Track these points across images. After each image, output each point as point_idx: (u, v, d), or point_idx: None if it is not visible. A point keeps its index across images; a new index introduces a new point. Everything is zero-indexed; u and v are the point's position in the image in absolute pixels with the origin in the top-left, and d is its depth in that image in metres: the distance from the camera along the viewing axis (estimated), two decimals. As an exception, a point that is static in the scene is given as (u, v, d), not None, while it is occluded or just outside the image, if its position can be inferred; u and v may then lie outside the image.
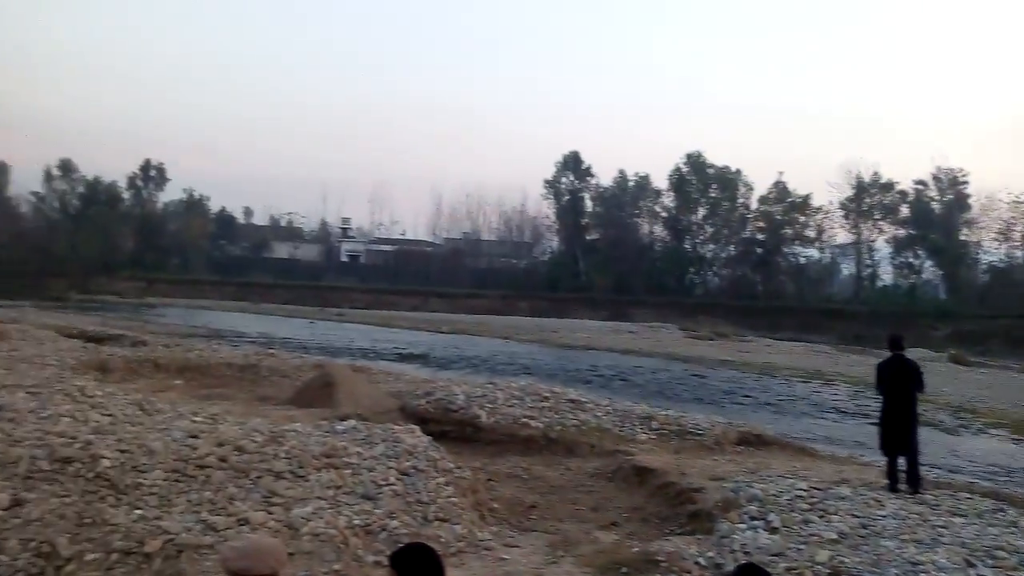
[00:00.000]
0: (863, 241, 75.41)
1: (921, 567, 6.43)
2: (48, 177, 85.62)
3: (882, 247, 75.06)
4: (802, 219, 77.31)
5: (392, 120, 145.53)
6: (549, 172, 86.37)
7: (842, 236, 77.43)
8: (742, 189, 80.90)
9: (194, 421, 9.22)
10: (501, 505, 8.85)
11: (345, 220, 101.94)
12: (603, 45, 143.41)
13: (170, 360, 18.49)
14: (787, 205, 77.69)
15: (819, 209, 76.56)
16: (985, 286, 67.70)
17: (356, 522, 6.65)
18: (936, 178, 72.57)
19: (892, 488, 9.03)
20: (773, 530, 7.26)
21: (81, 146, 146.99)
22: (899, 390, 9.37)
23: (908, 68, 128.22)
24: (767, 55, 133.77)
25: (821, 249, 79.04)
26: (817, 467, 11.08)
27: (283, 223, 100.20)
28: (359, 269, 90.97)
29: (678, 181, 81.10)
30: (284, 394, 15.66)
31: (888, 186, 74.36)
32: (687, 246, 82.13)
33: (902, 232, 73.04)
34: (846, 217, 75.66)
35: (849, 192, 74.78)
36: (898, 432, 9.25)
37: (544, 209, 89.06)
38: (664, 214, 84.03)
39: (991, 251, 70.42)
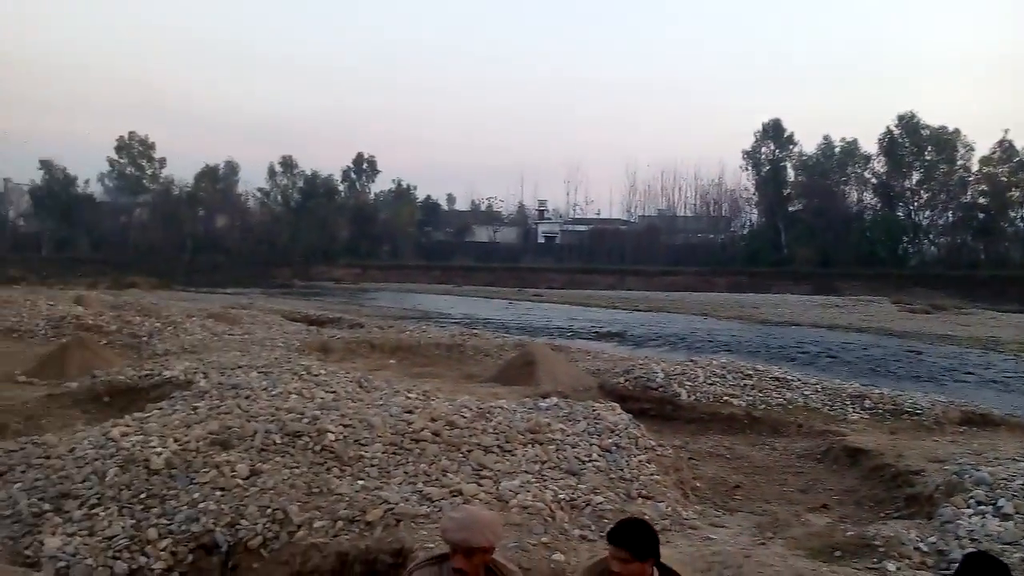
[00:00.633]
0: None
1: None
2: (272, 174, 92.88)
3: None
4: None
5: (586, 101, 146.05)
6: (747, 142, 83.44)
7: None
8: (961, 150, 74.46)
9: (408, 397, 9.71)
10: (704, 484, 8.70)
11: (541, 202, 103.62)
12: (800, 2, 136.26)
13: (384, 341, 19.54)
14: (1014, 166, 70.54)
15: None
16: None
17: (562, 496, 6.76)
18: None
19: None
20: (1005, 517, 6.65)
21: (300, 144, 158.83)
22: None
23: None
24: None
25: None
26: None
27: (483, 208, 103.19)
28: (555, 250, 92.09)
29: (889, 144, 75.76)
30: (488, 372, 16.14)
31: None
32: (900, 214, 76.78)
33: None
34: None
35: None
36: None
37: (743, 181, 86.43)
38: (874, 180, 78.89)
39: None
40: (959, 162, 74.63)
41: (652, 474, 7.73)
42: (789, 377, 13.74)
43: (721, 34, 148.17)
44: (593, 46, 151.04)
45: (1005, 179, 70.77)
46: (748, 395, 12.47)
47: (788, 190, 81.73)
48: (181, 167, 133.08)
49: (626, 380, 13.46)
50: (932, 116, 77.25)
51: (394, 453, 7.41)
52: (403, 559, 5.49)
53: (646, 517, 6.44)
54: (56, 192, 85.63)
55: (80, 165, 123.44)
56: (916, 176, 76.19)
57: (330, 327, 24.55)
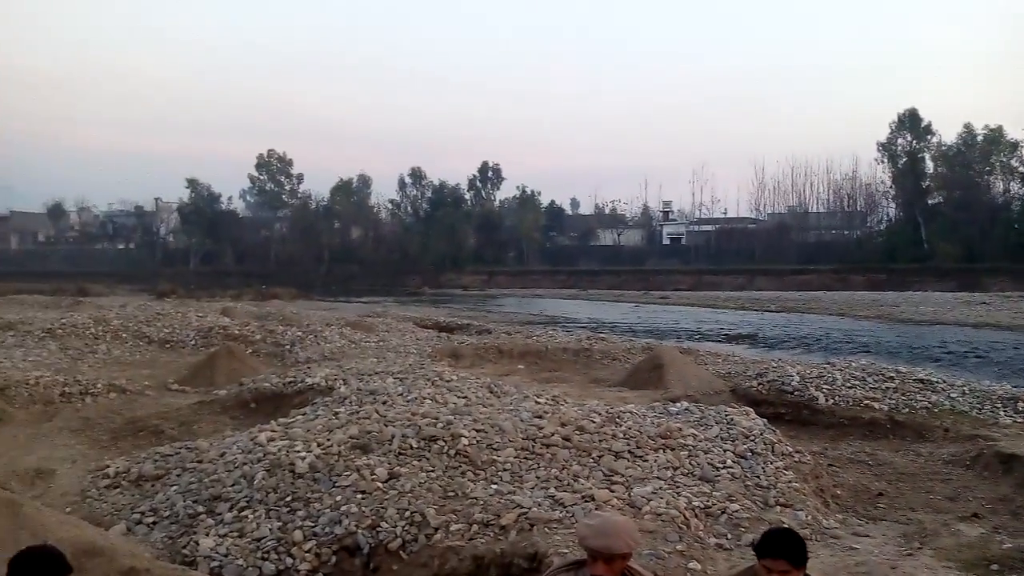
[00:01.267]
0: None
1: None
2: (402, 185, 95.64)
3: None
4: None
5: (711, 98, 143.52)
6: (882, 134, 79.50)
7: None
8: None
9: (538, 402, 9.77)
10: (845, 492, 8.35)
11: (666, 203, 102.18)
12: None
13: (512, 346, 19.73)
14: None
15: None
16: None
17: (696, 504, 6.64)
18: None
19: None
20: None
21: (429, 155, 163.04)
22: None
23: None
24: None
25: None
26: None
27: (607, 211, 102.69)
28: (681, 251, 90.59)
29: (1041, 128, 70.54)
30: (616, 376, 16.05)
31: None
32: (1052, 203, 71.34)
33: None
34: None
35: None
36: None
37: (878, 174, 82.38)
38: (1022, 169, 73.68)
39: None
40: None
41: (790, 481, 7.49)
42: (934, 379, 13.02)
43: (849, 23, 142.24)
44: (716, 43, 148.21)
45: None
46: (890, 398, 11.88)
47: (927, 182, 77.33)
48: (317, 182, 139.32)
49: (759, 384, 13.08)
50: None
51: (525, 458, 7.46)
52: (538, 564, 5.52)
53: (786, 526, 6.25)
54: (202, 209, 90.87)
55: (223, 183, 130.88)
56: (1071, 162, 70.83)
57: (459, 333, 24.99)
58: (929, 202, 76.62)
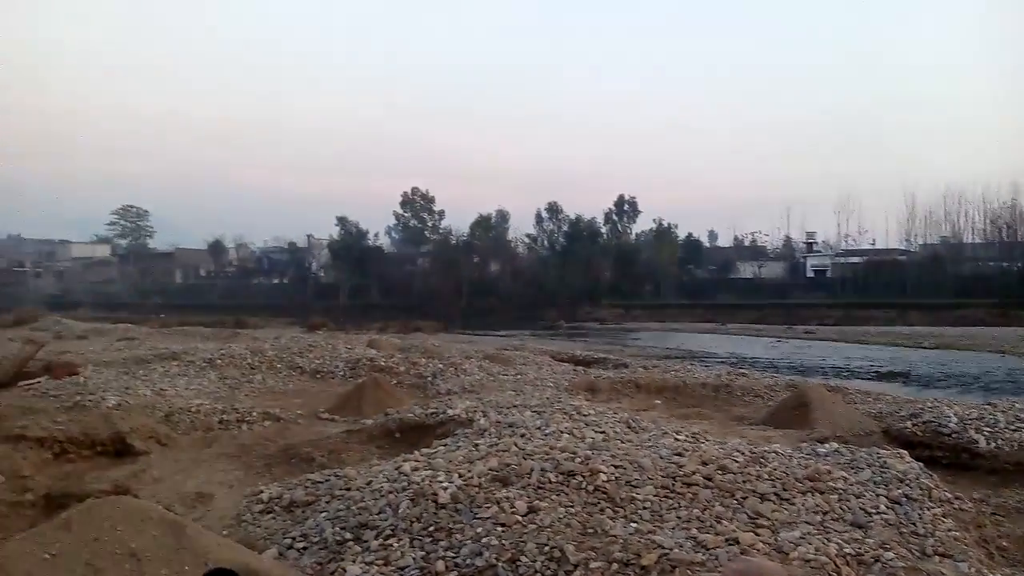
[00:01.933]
0: None
1: None
2: (539, 219, 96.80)
3: None
4: None
5: (856, 126, 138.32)
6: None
7: None
8: None
9: (677, 439, 9.62)
10: (1013, 544, 7.75)
11: (810, 234, 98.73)
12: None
13: (649, 381, 19.50)
14: None
15: None
16: None
17: (847, 551, 6.34)
18: None
19: None
20: None
21: (565, 190, 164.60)
22: None
23: None
24: None
25: None
26: None
27: (747, 243, 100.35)
28: (826, 284, 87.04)
29: None
30: (758, 414, 15.58)
31: None
32: None
33: None
34: None
35: None
36: None
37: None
38: None
39: None
40: None
41: (949, 530, 7.04)
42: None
43: (1000, 48, 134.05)
44: (862, 68, 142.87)
45: None
46: (1065, 443, 10.99)
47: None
48: (458, 218, 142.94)
49: (914, 425, 12.38)
50: None
51: (666, 496, 7.34)
52: (679, 606, 5.42)
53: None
54: (350, 245, 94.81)
55: (370, 220, 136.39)
56: None
57: (596, 367, 24.91)
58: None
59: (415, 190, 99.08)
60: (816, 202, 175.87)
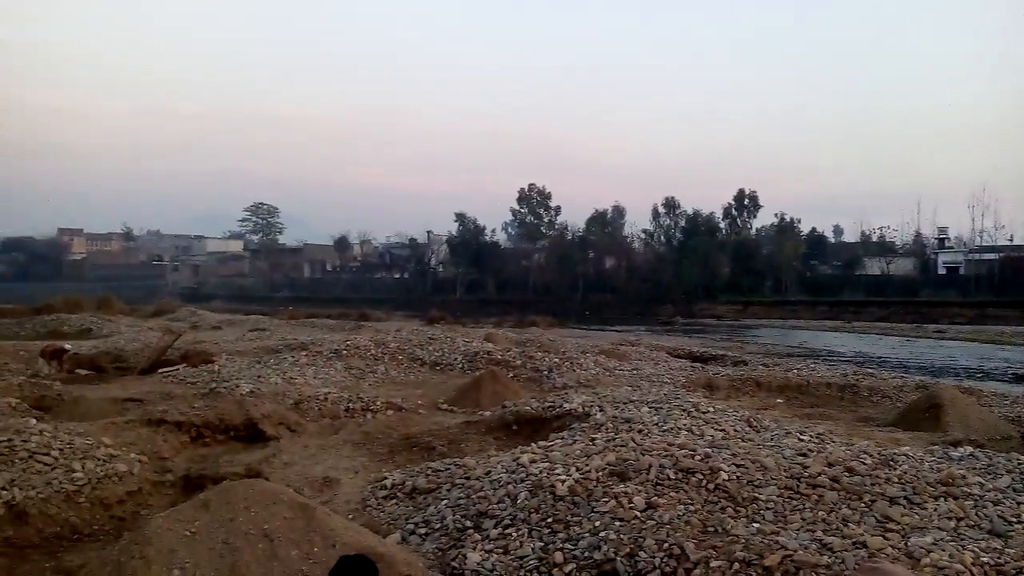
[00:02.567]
0: None
1: None
2: (655, 215, 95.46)
3: None
4: None
5: (992, 116, 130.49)
6: None
7: None
8: None
9: (801, 439, 9.38)
10: None
11: (941, 229, 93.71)
12: None
13: (770, 379, 19.04)
14: None
15: None
16: None
17: (984, 559, 6.02)
18: None
19: None
20: None
21: (682, 184, 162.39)
22: None
23: None
24: None
25: None
26: None
27: (874, 238, 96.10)
28: (959, 281, 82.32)
29: None
30: (886, 415, 15.02)
31: None
32: None
33: None
34: None
35: None
36: None
37: None
38: None
39: None
40: None
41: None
42: None
43: None
44: (999, 56, 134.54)
45: None
46: None
47: None
48: (574, 213, 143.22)
49: (1059, 430, 11.65)
50: None
51: (790, 497, 7.17)
52: (803, 609, 5.29)
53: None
54: (468, 241, 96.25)
55: (488, 216, 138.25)
56: None
57: (714, 364, 24.48)
58: None
59: (532, 186, 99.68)
60: (948, 196, 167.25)
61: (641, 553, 6.26)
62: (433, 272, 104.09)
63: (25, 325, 31.03)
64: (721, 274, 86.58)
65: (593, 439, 9.54)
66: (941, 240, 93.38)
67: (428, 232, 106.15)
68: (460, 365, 20.89)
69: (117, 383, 17.83)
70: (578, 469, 7.92)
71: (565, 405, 12.72)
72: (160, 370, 19.12)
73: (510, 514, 7.30)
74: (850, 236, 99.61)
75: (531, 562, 6.47)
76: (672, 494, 7.24)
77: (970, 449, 9.52)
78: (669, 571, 6.06)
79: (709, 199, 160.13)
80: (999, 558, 6.08)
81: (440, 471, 9.48)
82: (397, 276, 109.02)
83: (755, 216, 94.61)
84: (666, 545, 6.29)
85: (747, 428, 10.49)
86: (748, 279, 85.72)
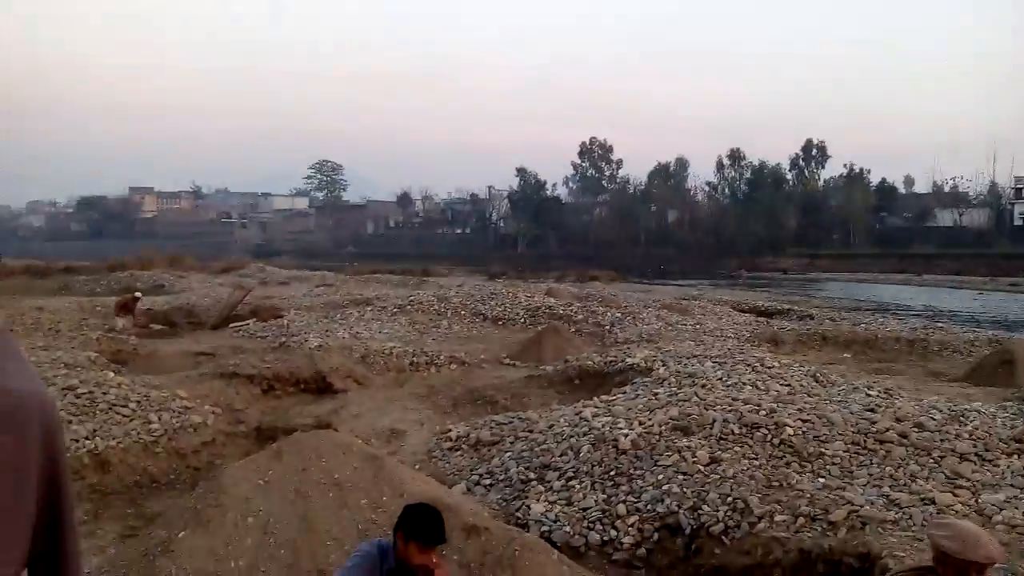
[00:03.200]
0: None
1: None
2: (720, 167, 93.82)
3: None
4: None
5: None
6: None
7: None
8: None
9: (868, 394, 9.22)
10: None
11: (1019, 179, 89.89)
12: None
13: (837, 333, 18.71)
14: None
15: None
16: None
17: (1059, 518, 5.90)
18: None
19: None
20: None
21: (748, 135, 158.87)
22: None
23: None
24: None
25: None
26: None
27: (946, 189, 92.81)
28: (1035, 233, 79.22)
29: None
30: (956, 370, 14.67)
31: None
32: None
33: None
34: None
35: None
36: None
37: None
38: None
39: None
40: None
41: None
42: None
43: None
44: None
45: None
46: None
47: None
48: (636, 167, 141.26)
49: None
50: None
51: (856, 453, 7.09)
52: (870, 564, 5.25)
53: None
54: (529, 196, 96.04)
55: (549, 171, 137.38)
56: None
57: (779, 318, 24.11)
58: None
59: (593, 140, 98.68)
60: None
61: (704, 507, 6.29)
62: (495, 227, 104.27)
63: (100, 282, 32.05)
64: (787, 227, 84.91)
65: (656, 394, 9.53)
66: (1018, 190, 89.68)
67: (489, 188, 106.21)
68: (522, 320, 20.98)
69: (190, 337, 18.40)
70: (641, 423, 7.94)
71: (627, 360, 12.71)
72: (231, 324, 19.65)
73: (573, 467, 7.38)
74: (921, 187, 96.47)
75: (594, 514, 6.55)
76: (736, 449, 7.23)
77: (1048, 405, 9.26)
78: (733, 525, 6.08)
79: (776, 150, 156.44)
80: (1074, 516, 5.95)
81: (503, 424, 9.60)
82: (459, 232, 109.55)
83: (823, 167, 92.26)
84: (730, 499, 6.30)
85: (813, 383, 10.35)
86: (815, 232, 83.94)
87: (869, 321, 21.78)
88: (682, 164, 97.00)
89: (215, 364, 12.99)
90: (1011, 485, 6.44)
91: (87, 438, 8.37)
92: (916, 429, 7.43)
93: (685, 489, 6.53)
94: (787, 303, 30.01)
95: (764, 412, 7.87)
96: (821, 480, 6.58)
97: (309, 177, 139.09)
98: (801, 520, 5.93)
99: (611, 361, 12.97)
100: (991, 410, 8.68)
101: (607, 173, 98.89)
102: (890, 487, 6.39)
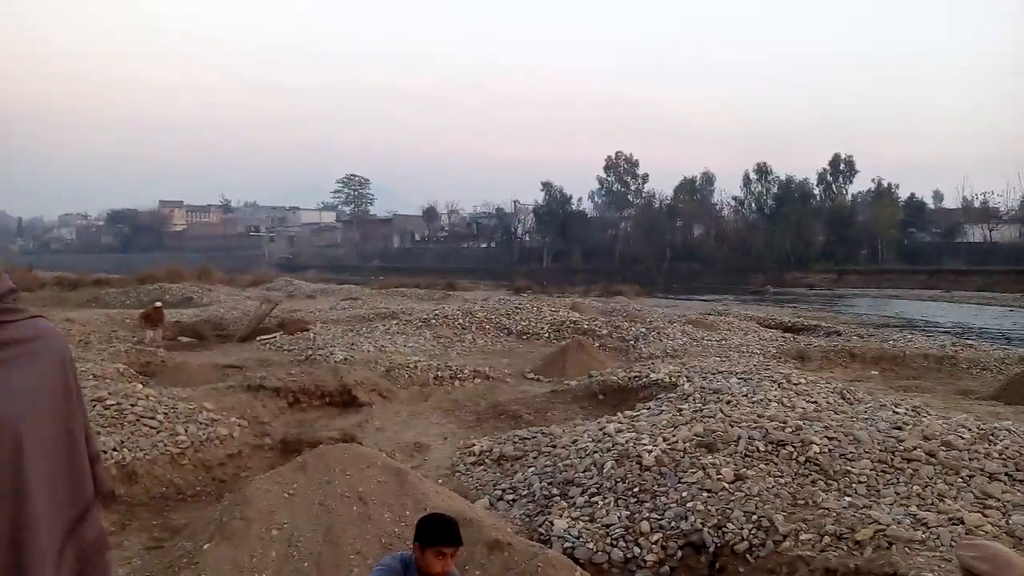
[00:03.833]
0: None
1: None
2: (746, 181, 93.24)
3: None
4: None
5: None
6: None
7: None
8: None
9: (896, 412, 9.12)
10: None
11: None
12: None
13: (864, 350, 18.53)
14: None
15: None
16: None
17: (1093, 541, 5.80)
18: None
19: None
20: None
21: (775, 150, 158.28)
22: None
23: None
24: None
25: None
26: None
27: (976, 204, 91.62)
28: (1069, 249, 77.92)
29: None
30: (986, 388, 14.48)
31: None
32: None
33: None
34: None
35: None
36: None
37: None
38: None
39: None
40: None
41: None
42: None
43: None
44: None
45: None
46: None
47: None
48: (662, 181, 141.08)
49: None
50: None
51: (883, 471, 7.01)
52: (896, 584, 5.19)
53: None
54: (554, 210, 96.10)
55: (574, 185, 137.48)
56: None
57: (806, 335, 23.91)
58: None
59: (619, 154, 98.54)
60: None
61: (729, 524, 6.25)
62: (520, 241, 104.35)
63: (130, 294, 32.51)
64: (814, 242, 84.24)
65: (680, 409, 9.48)
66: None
67: (515, 202, 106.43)
68: (546, 334, 20.98)
69: (217, 350, 18.58)
70: (665, 439, 7.90)
71: (652, 375, 12.66)
72: (258, 337, 19.82)
73: (596, 483, 7.36)
74: (951, 202, 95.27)
75: (617, 531, 6.52)
76: (761, 466, 7.17)
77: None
78: (757, 543, 6.03)
79: (803, 165, 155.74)
80: (1109, 539, 5.85)
81: (527, 439, 9.59)
82: (484, 246, 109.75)
83: (851, 182, 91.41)
84: (755, 517, 6.25)
85: (840, 400, 10.25)
86: (843, 247, 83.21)
87: (897, 338, 21.55)
88: (708, 179, 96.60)
89: (242, 377, 13.10)
90: (1043, 506, 6.34)
91: (115, 449, 8.47)
92: (944, 448, 7.33)
93: (709, 506, 6.49)
94: (814, 319, 29.76)
95: (790, 429, 7.81)
96: (847, 499, 6.51)
97: (337, 191, 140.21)
98: (827, 539, 5.86)
99: (635, 376, 12.93)
100: (1022, 429, 8.55)
101: (632, 187, 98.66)
102: (917, 506, 6.31)
